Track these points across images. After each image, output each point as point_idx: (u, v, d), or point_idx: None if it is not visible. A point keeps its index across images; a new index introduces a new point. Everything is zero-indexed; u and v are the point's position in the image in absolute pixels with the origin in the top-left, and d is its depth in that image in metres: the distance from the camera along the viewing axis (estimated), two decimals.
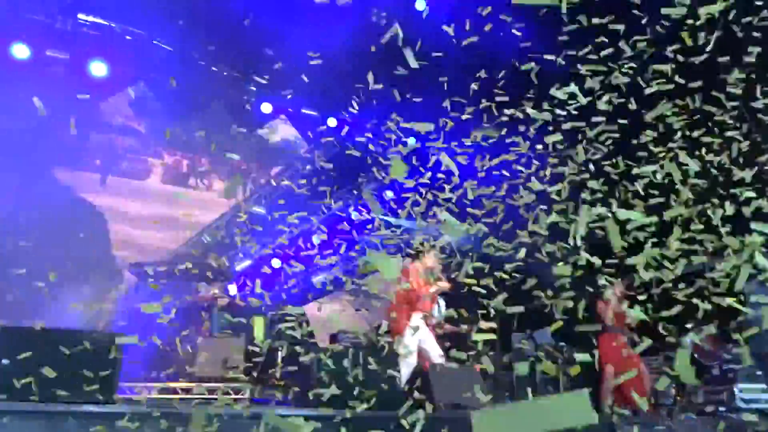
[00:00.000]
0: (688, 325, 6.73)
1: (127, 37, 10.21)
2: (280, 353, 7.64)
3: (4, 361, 3.60)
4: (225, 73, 10.85)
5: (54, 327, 3.84)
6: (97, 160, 11.07)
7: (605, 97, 3.71)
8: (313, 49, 9.84)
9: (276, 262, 11.17)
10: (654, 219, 2.66)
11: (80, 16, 9.97)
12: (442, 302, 7.14)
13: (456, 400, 4.88)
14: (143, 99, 10.93)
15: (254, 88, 11.43)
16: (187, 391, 6.83)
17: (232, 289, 9.23)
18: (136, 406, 3.77)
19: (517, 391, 7.61)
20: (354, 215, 11.65)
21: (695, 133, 4.20)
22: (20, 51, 9.72)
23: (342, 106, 11.17)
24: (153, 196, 11.31)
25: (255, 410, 3.95)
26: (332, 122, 11.79)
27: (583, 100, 3.52)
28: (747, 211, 3.58)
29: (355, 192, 11.98)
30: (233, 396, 6.63)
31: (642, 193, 3.79)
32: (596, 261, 3.29)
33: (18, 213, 8.21)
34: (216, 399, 6.26)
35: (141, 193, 11.22)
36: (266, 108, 11.43)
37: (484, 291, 4.17)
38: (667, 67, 3.70)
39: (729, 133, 4.17)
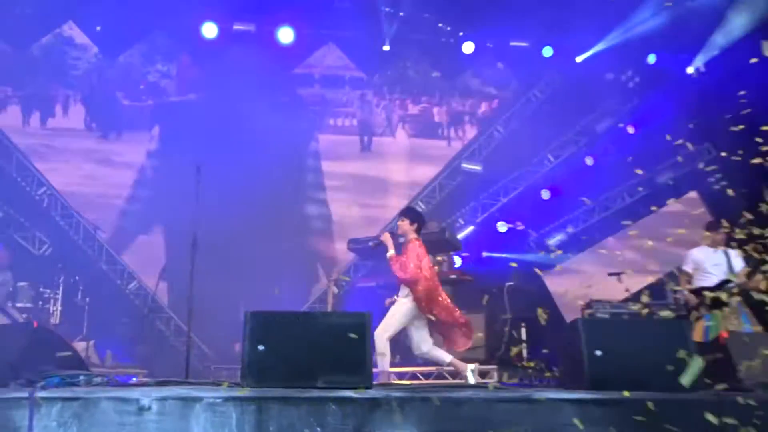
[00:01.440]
0: None
1: None
2: (523, 329, 7.61)
3: (261, 347, 4.00)
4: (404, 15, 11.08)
5: (304, 311, 4.17)
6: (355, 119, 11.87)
7: None
8: None
9: (502, 226, 11.17)
10: None
11: None
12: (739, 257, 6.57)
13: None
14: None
15: (448, 28, 11.49)
16: (426, 376, 7.14)
17: (458, 260, 9.41)
18: (391, 390, 3.95)
19: None
20: (588, 161, 11.11)
21: None
22: (209, 30, 10.90)
23: (558, 32, 10.74)
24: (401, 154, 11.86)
25: (525, 394, 3.93)
26: (548, 52, 11.39)
27: None
28: None
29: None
30: (479, 381, 6.75)
31: None
32: None
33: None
34: (458, 384, 6.42)
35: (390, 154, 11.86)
36: (468, 48, 11.41)
37: None
38: None
39: None
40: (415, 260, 6.00)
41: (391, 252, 6.17)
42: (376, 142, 11.82)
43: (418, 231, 6.30)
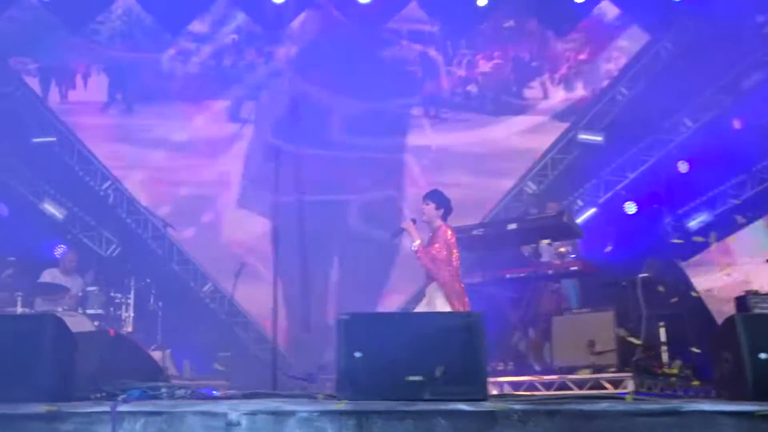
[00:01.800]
0: None
1: None
2: (662, 329, 7.39)
3: (357, 354, 4.06)
4: None
5: (403, 311, 4.21)
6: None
7: None
8: None
9: (631, 207, 10.91)
10: None
11: None
12: None
13: None
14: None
15: None
16: (547, 386, 7.06)
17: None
18: (511, 402, 3.94)
19: None
20: (735, 124, 10.64)
21: None
22: None
23: None
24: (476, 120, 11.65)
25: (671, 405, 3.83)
26: None
27: None
28: None
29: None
30: (611, 390, 6.64)
31: None
32: None
33: None
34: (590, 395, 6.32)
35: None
36: None
37: None
38: None
39: None
40: (446, 251, 6.18)
41: (417, 242, 6.27)
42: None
43: (444, 217, 6.42)
